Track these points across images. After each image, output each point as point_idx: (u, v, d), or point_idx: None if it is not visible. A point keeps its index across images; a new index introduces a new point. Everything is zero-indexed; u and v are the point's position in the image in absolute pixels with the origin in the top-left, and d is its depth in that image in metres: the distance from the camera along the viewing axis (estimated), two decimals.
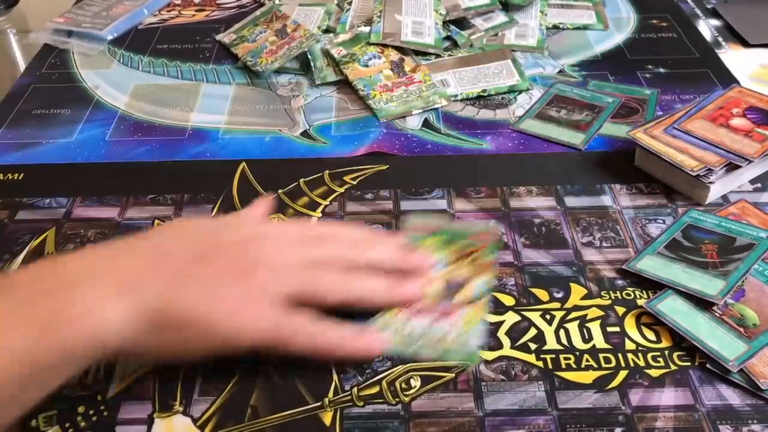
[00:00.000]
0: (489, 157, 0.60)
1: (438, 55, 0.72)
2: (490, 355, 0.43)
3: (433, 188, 0.57)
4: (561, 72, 0.71)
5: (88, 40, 0.79)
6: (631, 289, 0.47)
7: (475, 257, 0.47)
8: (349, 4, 0.81)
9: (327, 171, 0.59)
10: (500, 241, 0.50)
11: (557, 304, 0.46)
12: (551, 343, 0.44)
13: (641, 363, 0.43)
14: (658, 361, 0.43)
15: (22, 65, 0.79)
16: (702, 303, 0.45)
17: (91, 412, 0.41)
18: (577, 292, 0.47)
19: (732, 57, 0.73)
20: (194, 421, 0.40)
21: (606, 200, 0.55)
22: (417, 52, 0.73)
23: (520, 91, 0.68)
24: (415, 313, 0.44)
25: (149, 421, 0.40)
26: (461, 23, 0.77)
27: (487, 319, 0.45)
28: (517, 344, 0.44)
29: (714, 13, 0.82)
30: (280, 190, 0.57)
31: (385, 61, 0.71)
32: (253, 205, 0.50)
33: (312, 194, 0.56)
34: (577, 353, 0.43)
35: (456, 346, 0.43)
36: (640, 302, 0.46)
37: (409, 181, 0.57)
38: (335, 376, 0.42)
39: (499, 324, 0.45)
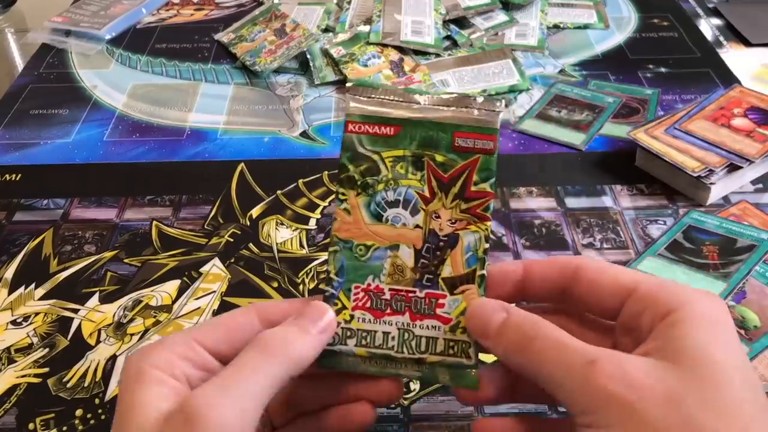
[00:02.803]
0: None
1: (438, 55, 0.72)
2: (491, 358, 0.43)
3: None
4: (561, 72, 0.71)
5: (87, 40, 0.79)
6: None
7: (464, 185, 0.31)
8: (349, 3, 0.81)
9: (326, 172, 0.58)
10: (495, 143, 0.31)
11: None
12: None
13: None
14: None
15: (20, 65, 0.79)
16: None
17: (89, 415, 0.40)
18: None
19: (733, 56, 0.73)
20: None
21: (607, 201, 0.55)
22: (417, 52, 0.72)
23: (521, 91, 0.67)
24: (379, 311, 0.31)
25: None
26: (461, 22, 0.77)
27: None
28: None
29: (715, 13, 0.82)
30: (278, 191, 0.56)
31: (384, 60, 0.70)
32: None
33: (311, 195, 0.56)
34: None
35: (449, 360, 0.31)
36: None
37: None
38: None
39: None
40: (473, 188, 0.31)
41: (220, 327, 0.30)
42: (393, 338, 0.31)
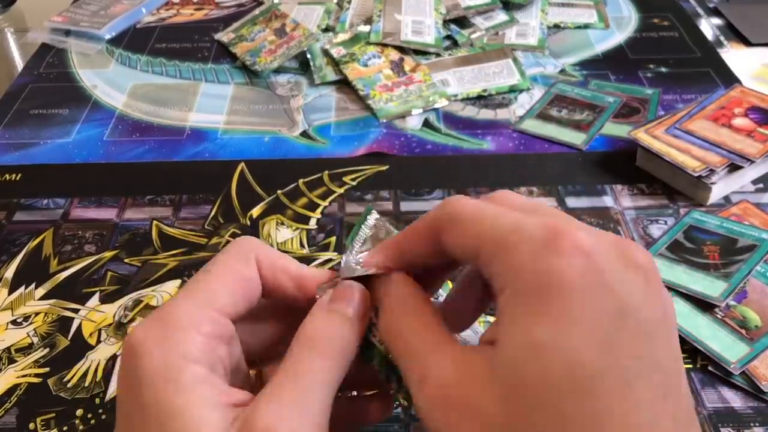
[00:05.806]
0: (489, 157, 0.60)
1: (438, 55, 0.72)
2: None
3: (433, 188, 0.56)
4: (562, 71, 0.71)
5: (86, 39, 0.79)
6: None
7: None
8: (349, 2, 0.81)
9: (326, 171, 0.58)
10: None
11: None
12: None
13: None
14: None
15: (19, 64, 0.79)
16: (704, 305, 0.44)
17: (90, 415, 0.40)
18: None
19: (734, 56, 0.73)
20: None
21: (607, 201, 0.55)
22: (417, 52, 0.72)
23: (521, 91, 0.67)
24: None
25: None
26: (461, 22, 0.77)
27: None
28: None
29: (716, 12, 0.82)
30: (279, 191, 0.56)
31: (384, 60, 0.70)
32: None
33: (311, 195, 0.56)
34: None
35: None
36: None
37: (409, 182, 0.57)
38: None
39: None
40: None
41: (230, 286, 0.26)
42: None
